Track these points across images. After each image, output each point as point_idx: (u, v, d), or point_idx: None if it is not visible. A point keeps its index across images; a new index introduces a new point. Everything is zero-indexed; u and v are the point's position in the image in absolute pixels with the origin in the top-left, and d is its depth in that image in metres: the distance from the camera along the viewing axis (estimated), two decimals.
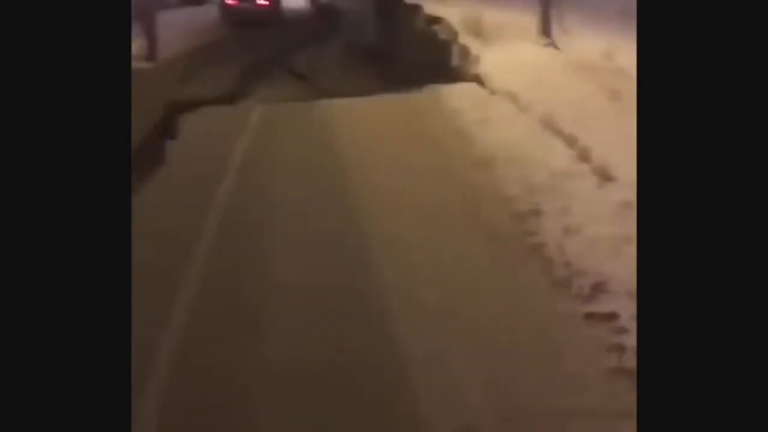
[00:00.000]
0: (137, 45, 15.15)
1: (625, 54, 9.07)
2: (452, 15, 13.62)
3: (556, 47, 11.71)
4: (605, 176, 6.17)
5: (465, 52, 11.70)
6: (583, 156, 6.63)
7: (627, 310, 4.18)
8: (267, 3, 23.81)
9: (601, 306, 4.34)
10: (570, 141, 7.04)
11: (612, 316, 4.21)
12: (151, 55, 15.14)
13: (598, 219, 5.41)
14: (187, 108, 10.17)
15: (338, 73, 13.99)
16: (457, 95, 9.39)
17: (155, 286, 4.73)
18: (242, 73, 14.32)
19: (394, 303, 4.50)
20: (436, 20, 14.22)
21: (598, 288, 4.51)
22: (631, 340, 3.89)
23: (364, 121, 8.85)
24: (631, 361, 3.72)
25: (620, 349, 3.91)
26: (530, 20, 12.26)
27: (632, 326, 4.02)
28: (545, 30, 12.26)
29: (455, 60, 11.72)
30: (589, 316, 4.26)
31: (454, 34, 12.80)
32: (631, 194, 5.52)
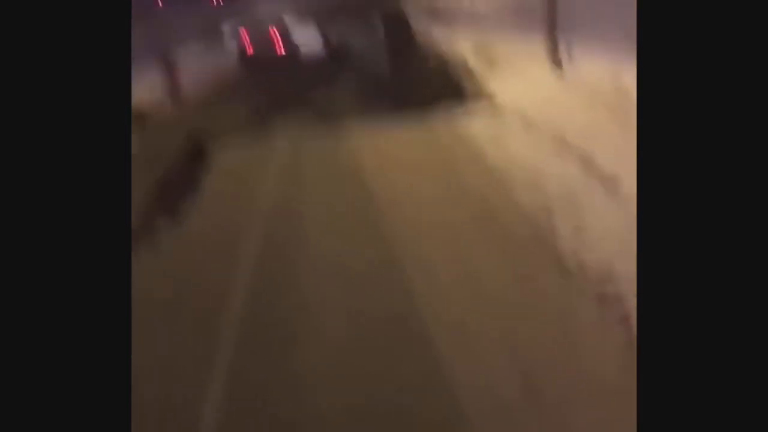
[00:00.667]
0: (159, 86, 15.88)
1: (630, 75, 9.69)
2: (461, 41, 14.25)
3: (563, 71, 12.32)
4: (611, 187, 6.71)
5: (475, 77, 12.31)
6: (589, 170, 7.15)
7: (628, 296, 4.74)
8: (285, 53, 24.49)
9: (607, 288, 4.88)
10: (579, 158, 7.56)
11: (617, 299, 4.75)
12: (173, 97, 15.79)
13: (608, 228, 5.93)
14: (213, 145, 10.75)
15: (354, 107, 14.51)
16: (468, 118, 9.97)
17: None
18: (257, 113, 14.94)
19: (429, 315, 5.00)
20: (447, 54, 14.86)
21: (604, 274, 5.07)
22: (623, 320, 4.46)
23: (382, 146, 9.43)
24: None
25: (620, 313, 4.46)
26: (537, 47, 12.90)
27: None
28: (552, 56, 12.90)
29: (467, 86, 12.31)
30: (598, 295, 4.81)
31: (464, 61, 13.42)
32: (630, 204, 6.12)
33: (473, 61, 13.31)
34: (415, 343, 4.63)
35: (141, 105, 14.30)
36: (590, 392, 3.96)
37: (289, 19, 26.46)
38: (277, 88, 17.50)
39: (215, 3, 27.81)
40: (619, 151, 7.47)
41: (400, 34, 17.72)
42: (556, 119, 8.97)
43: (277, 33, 24.66)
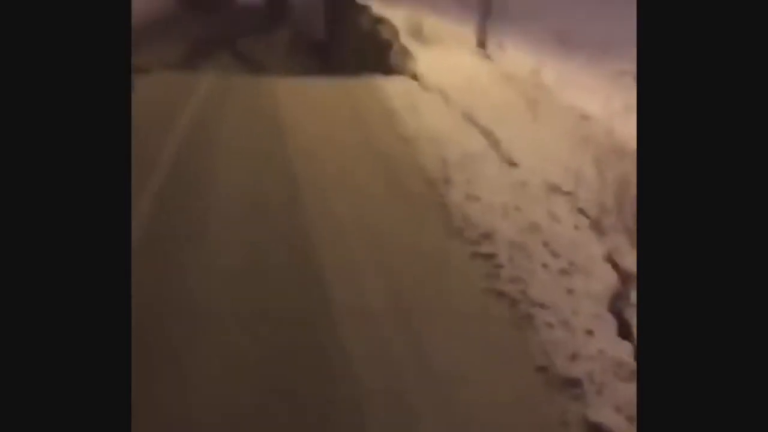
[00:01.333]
0: None
1: (551, 72, 10.38)
2: (396, 17, 14.77)
3: (489, 58, 12.96)
4: (509, 162, 7.33)
5: (404, 51, 12.84)
6: (493, 145, 7.77)
7: (503, 253, 5.34)
8: None
9: (485, 249, 5.47)
10: (485, 132, 8.17)
11: (492, 256, 5.34)
12: None
13: (495, 191, 6.54)
14: (137, 72, 10.97)
15: (282, 59, 14.85)
16: (391, 85, 10.54)
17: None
18: (189, 50, 15.16)
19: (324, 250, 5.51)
20: (380, 20, 15.33)
21: (485, 236, 5.65)
22: (504, 273, 5.05)
23: (303, 98, 9.92)
24: (501, 285, 4.89)
25: (495, 276, 5.04)
26: (469, 31, 13.51)
27: (507, 264, 5.19)
28: (481, 42, 13.54)
29: (395, 58, 12.82)
30: (475, 255, 5.39)
31: (396, 35, 13.93)
32: (525, 176, 6.74)
33: (405, 36, 13.81)
34: (304, 272, 5.11)
35: None
36: (451, 316, 4.59)
37: None
38: (210, 32, 17.66)
39: None
40: (520, 133, 8.14)
41: (340, 1, 18.10)
42: (471, 98, 9.55)
43: None
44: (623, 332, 4.41)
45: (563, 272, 5.17)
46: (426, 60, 11.90)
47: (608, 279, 5.04)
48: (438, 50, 12.79)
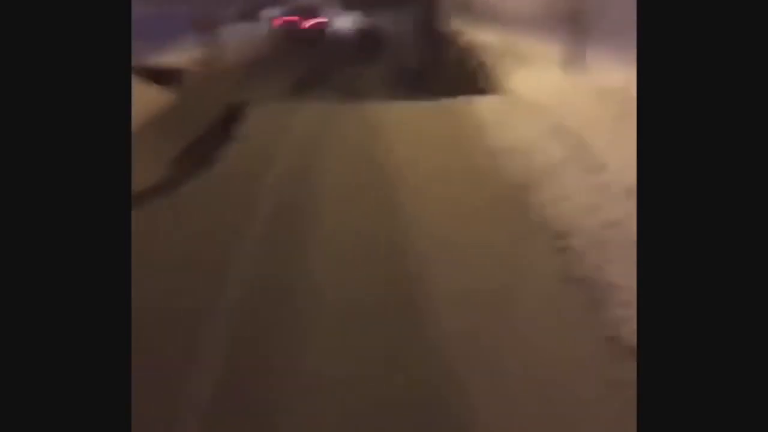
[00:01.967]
0: (199, 53, 17.28)
1: None
2: (487, 40, 15.47)
3: (578, 74, 13.46)
4: (593, 168, 7.86)
5: (494, 72, 13.51)
6: (577, 153, 8.30)
7: (581, 245, 5.91)
8: (316, 25, 26.08)
9: (563, 243, 6.05)
10: (569, 143, 8.72)
11: (570, 247, 5.92)
12: (211, 60, 17.16)
13: (576, 194, 7.09)
14: (241, 108, 12.02)
15: (379, 87, 15.69)
16: (481, 104, 11.22)
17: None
18: (291, 84, 16.23)
19: (419, 238, 6.23)
20: (472, 45, 16.07)
21: (565, 232, 6.23)
22: (581, 262, 5.64)
23: (397, 120, 10.72)
24: (578, 272, 5.47)
25: (573, 265, 5.64)
26: (559, 49, 14.06)
27: (586, 253, 5.76)
28: (570, 59, 14.05)
29: (485, 79, 13.50)
30: (555, 248, 6.00)
31: (487, 57, 14.63)
32: (607, 180, 7.26)
33: (496, 58, 14.50)
34: (405, 265, 5.80)
35: (182, 65, 15.64)
36: (532, 298, 5.22)
37: (326, 4, 27.98)
38: (309, 65, 18.76)
39: None
40: (604, 142, 8.63)
41: (431, 25, 18.94)
42: (558, 112, 10.10)
43: (313, 16, 26.20)
44: None
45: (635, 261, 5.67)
46: (515, 79, 12.54)
47: None
48: (527, 69, 13.40)
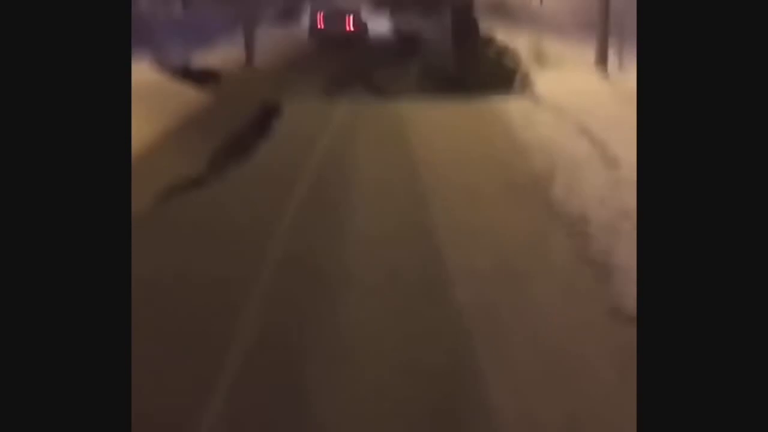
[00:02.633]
0: (238, 53, 18.00)
1: None
2: (519, 44, 16.01)
3: (607, 76, 13.98)
4: (612, 164, 8.37)
5: (525, 75, 14.04)
6: (598, 149, 8.83)
7: (594, 230, 6.44)
8: (354, 29, 26.75)
9: (579, 228, 6.60)
10: (593, 141, 9.24)
11: (584, 233, 6.47)
12: (249, 62, 17.89)
13: (594, 187, 7.62)
14: (278, 107, 12.69)
15: (413, 89, 16.23)
16: (510, 105, 11.79)
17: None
18: (326, 84, 16.83)
19: (444, 221, 6.85)
20: (505, 48, 16.60)
21: (580, 219, 6.77)
22: (587, 240, 6.18)
23: (430, 119, 11.32)
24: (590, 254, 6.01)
25: (586, 247, 6.18)
26: (588, 51, 14.60)
27: (598, 238, 6.29)
28: (601, 61, 14.57)
29: (516, 81, 14.03)
30: (571, 233, 6.55)
31: (519, 60, 15.16)
32: (625, 175, 7.78)
33: (527, 61, 15.04)
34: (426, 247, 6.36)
35: (219, 66, 16.36)
36: (547, 275, 5.77)
37: (363, 7, 28.68)
38: (345, 67, 19.38)
39: None
40: (626, 139, 9.10)
41: (466, 28, 19.45)
42: (586, 111, 10.63)
43: (350, 18, 26.88)
44: None
45: None
46: (545, 81, 13.08)
47: None
48: (557, 71, 13.94)
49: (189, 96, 13.08)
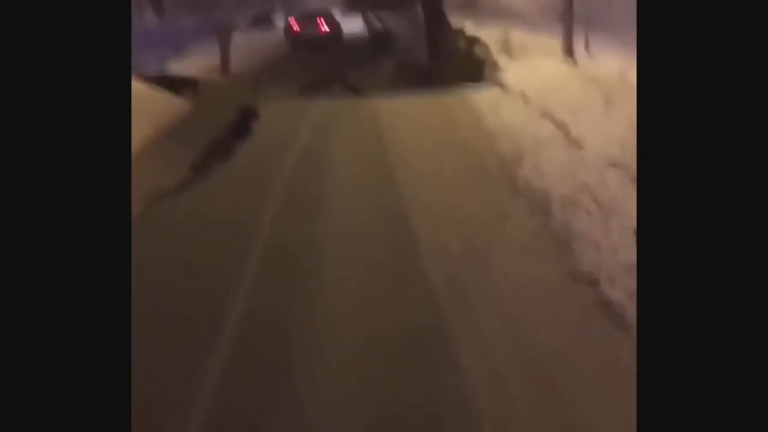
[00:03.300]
0: (214, 60, 18.48)
1: (635, 71, 11.83)
2: (487, 35, 16.57)
3: (574, 64, 14.52)
4: (575, 145, 8.90)
5: (493, 64, 14.59)
6: (562, 132, 9.36)
7: (556, 205, 6.96)
8: (328, 30, 27.30)
9: (541, 204, 7.12)
10: (557, 123, 9.77)
11: (546, 208, 6.99)
12: (225, 68, 18.37)
13: (557, 166, 8.14)
14: (255, 111, 13.18)
15: (389, 85, 16.76)
16: (478, 94, 12.35)
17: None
18: (303, 86, 17.35)
19: (415, 204, 7.38)
20: (474, 39, 17.16)
21: (542, 195, 7.30)
22: (554, 219, 6.68)
23: (400, 110, 11.89)
24: (551, 226, 6.52)
25: (547, 220, 6.70)
26: (555, 41, 15.14)
27: (558, 212, 6.80)
28: (567, 49, 15.11)
29: (485, 71, 14.58)
30: (533, 208, 7.06)
31: (487, 51, 15.71)
32: (586, 155, 8.30)
33: (495, 51, 15.60)
34: (399, 232, 6.84)
35: (195, 73, 16.82)
36: (512, 248, 6.28)
37: (336, 8, 29.26)
38: (321, 68, 19.90)
39: None
40: (590, 122, 9.66)
41: (438, 23, 20.00)
42: (550, 98, 11.16)
43: (323, 19, 27.44)
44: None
45: (604, 216, 6.70)
46: (513, 69, 13.64)
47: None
48: (525, 60, 14.49)
49: (167, 103, 13.49)
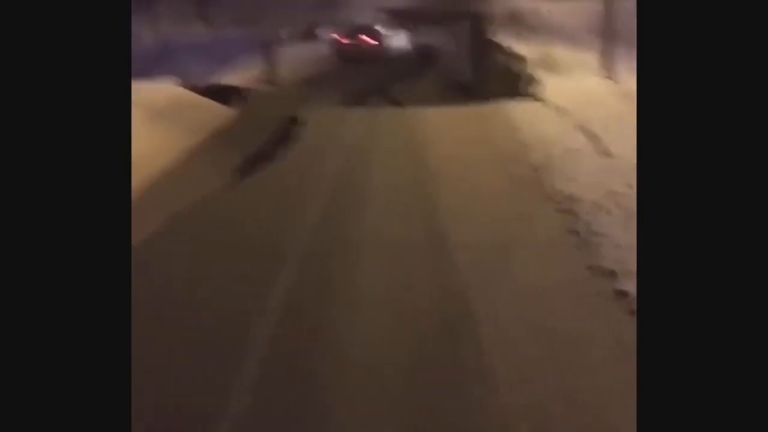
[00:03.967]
0: (261, 72, 19.24)
1: None
2: (530, 52, 17.17)
3: (612, 80, 15.01)
4: (605, 154, 9.41)
5: (532, 79, 15.14)
6: (594, 144, 9.88)
7: (582, 208, 7.49)
8: (375, 43, 28.06)
9: (568, 206, 7.65)
10: (590, 135, 10.29)
11: (572, 211, 7.52)
12: (272, 79, 19.12)
13: (587, 174, 8.67)
14: (301, 119, 13.87)
15: (431, 101, 17.32)
16: (516, 107, 12.94)
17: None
18: (347, 97, 17.99)
19: (450, 206, 7.96)
20: (514, 56, 17.73)
21: (570, 200, 7.83)
22: (574, 216, 7.22)
23: (440, 121, 12.50)
24: (575, 226, 7.04)
25: (570, 217, 7.25)
26: (596, 58, 15.69)
27: (584, 214, 7.32)
28: (606, 65, 15.61)
29: (524, 86, 15.13)
30: (561, 210, 7.60)
31: (526, 66, 16.27)
32: (616, 163, 8.81)
33: (536, 66, 16.17)
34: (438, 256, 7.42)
35: (243, 83, 17.57)
36: (538, 245, 6.82)
37: (382, 22, 30.01)
38: (365, 80, 20.54)
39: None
40: (624, 136, 10.12)
41: (483, 42, 20.57)
42: (585, 112, 11.70)
43: (368, 34, 28.22)
44: None
45: (626, 218, 7.21)
46: (551, 84, 14.18)
47: None
48: (564, 75, 15.04)
49: (217, 112, 14.24)
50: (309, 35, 31.61)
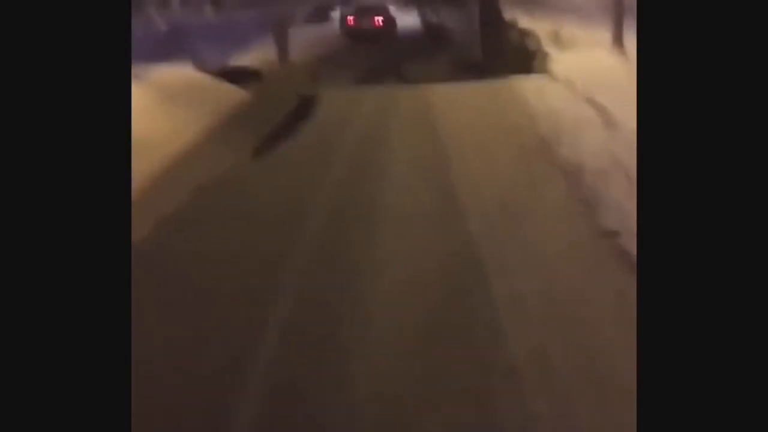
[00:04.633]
0: (273, 52, 19.71)
1: None
2: (540, 29, 17.55)
3: (624, 55, 15.38)
4: (611, 125, 9.85)
5: (543, 55, 15.55)
6: (601, 114, 10.31)
7: (588, 176, 7.94)
8: (384, 24, 28.49)
9: (575, 174, 8.11)
10: (598, 107, 10.72)
11: (578, 178, 7.97)
12: (284, 60, 19.59)
13: (593, 143, 9.11)
14: (314, 98, 14.35)
15: (442, 79, 17.76)
16: (526, 82, 13.37)
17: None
18: (359, 76, 18.45)
19: (461, 173, 8.41)
20: (526, 32, 18.13)
21: (577, 167, 8.28)
22: (580, 183, 7.67)
23: (452, 96, 12.98)
24: (582, 193, 7.50)
25: (576, 183, 7.69)
26: (607, 33, 16.06)
27: (590, 181, 7.77)
28: (617, 41, 15.97)
29: (535, 62, 15.55)
30: (567, 174, 8.07)
31: (539, 43, 16.67)
32: (622, 133, 9.24)
33: (546, 43, 16.58)
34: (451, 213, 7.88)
35: (256, 65, 18.04)
36: (546, 210, 7.27)
37: (391, 3, 30.42)
38: (376, 60, 20.99)
39: None
40: (629, 108, 10.50)
41: (493, 20, 20.94)
42: (595, 85, 12.10)
43: (378, 13, 28.63)
44: None
45: (631, 184, 7.64)
46: (561, 60, 14.59)
47: None
48: (574, 51, 15.43)
49: (232, 94, 14.73)
50: (320, 15, 32.04)
